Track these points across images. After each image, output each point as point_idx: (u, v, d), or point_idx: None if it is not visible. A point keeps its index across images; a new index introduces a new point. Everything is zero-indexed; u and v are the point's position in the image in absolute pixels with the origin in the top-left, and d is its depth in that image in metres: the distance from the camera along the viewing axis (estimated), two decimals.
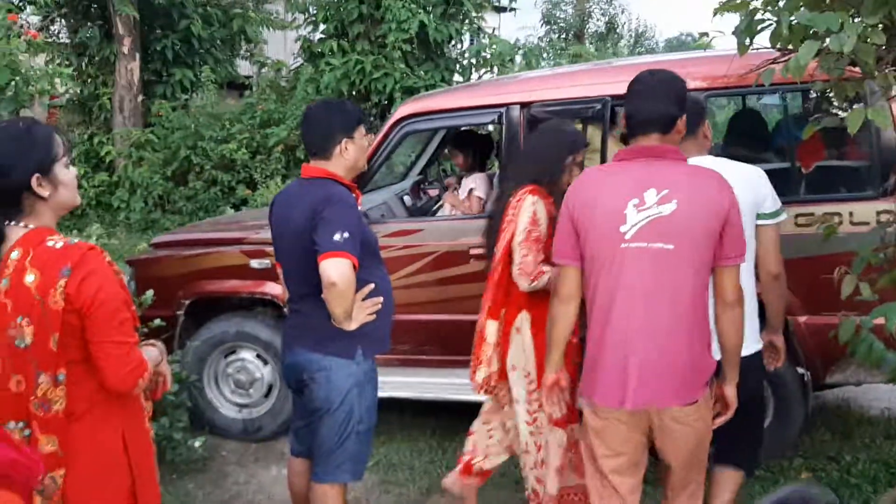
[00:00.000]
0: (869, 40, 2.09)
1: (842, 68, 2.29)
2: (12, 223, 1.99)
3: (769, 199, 2.84)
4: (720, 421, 2.60)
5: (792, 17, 2.14)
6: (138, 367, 2.02)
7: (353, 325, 2.69)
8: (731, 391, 2.55)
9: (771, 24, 2.40)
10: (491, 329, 3.23)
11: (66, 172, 2.04)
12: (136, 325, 2.13)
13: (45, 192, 1.99)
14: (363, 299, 2.73)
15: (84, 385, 2.01)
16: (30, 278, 1.93)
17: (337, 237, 2.54)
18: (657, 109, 2.39)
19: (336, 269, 2.52)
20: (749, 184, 2.74)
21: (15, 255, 1.96)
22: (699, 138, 2.89)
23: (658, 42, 20.95)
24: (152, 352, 2.21)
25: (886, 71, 2.16)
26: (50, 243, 1.97)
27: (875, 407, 4.71)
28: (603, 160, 3.46)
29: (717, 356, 2.52)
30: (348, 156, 2.79)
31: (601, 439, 2.48)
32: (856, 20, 2.14)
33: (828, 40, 2.09)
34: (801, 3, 2.34)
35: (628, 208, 2.31)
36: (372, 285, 2.76)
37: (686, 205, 2.28)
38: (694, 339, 2.38)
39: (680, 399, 2.38)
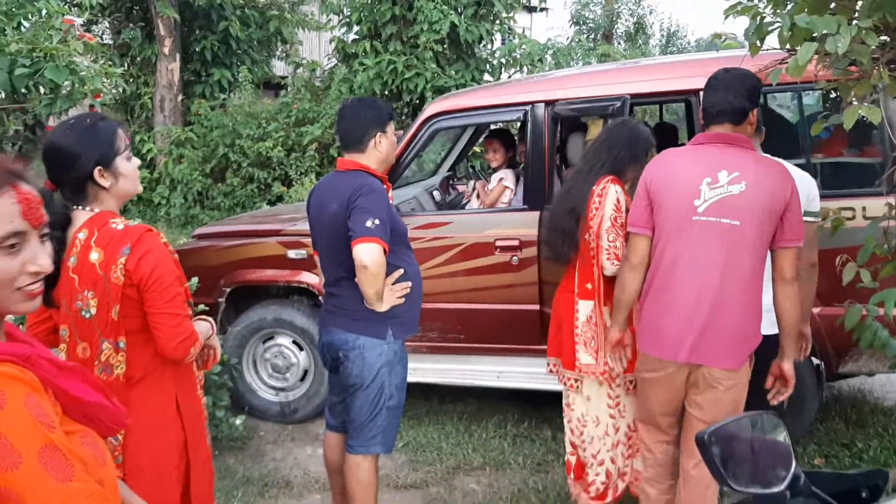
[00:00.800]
0: (864, 42, 2.24)
1: (841, 68, 2.44)
2: (79, 208, 2.23)
3: (815, 200, 3.11)
4: (781, 397, 2.82)
5: (792, 21, 2.30)
6: (189, 337, 2.22)
7: (383, 307, 2.90)
8: (789, 367, 2.78)
9: (778, 27, 2.56)
10: (585, 309, 3.24)
11: (127, 165, 2.26)
12: (189, 301, 2.36)
13: (106, 183, 2.22)
14: (393, 284, 2.95)
15: (142, 353, 2.23)
16: (94, 256, 2.16)
17: (369, 224, 2.76)
18: (731, 102, 2.70)
19: (368, 253, 2.74)
20: (803, 184, 2.94)
21: (82, 235, 2.20)
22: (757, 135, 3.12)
23: (690, 42, 20.86)
24: (203, 325, 2.43)
25: (881, 70, 2.30)
26: (112, 225, 2.20)
27: (890, 398, 4.81)
28: None
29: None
30: (381, 149, 3.02)
31: (652, 387, 2.85)
32: (853, 23, 2.30)
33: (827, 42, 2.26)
34: (805, 7, 2.51)
35: (703, 185, 2.63)
36: (402, 270, 2.98)
37: (753, 187, 2.58)
38: (748, 310, 2.68)
39: (728, 362, 2.68)
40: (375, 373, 2.99)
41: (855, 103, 2.43)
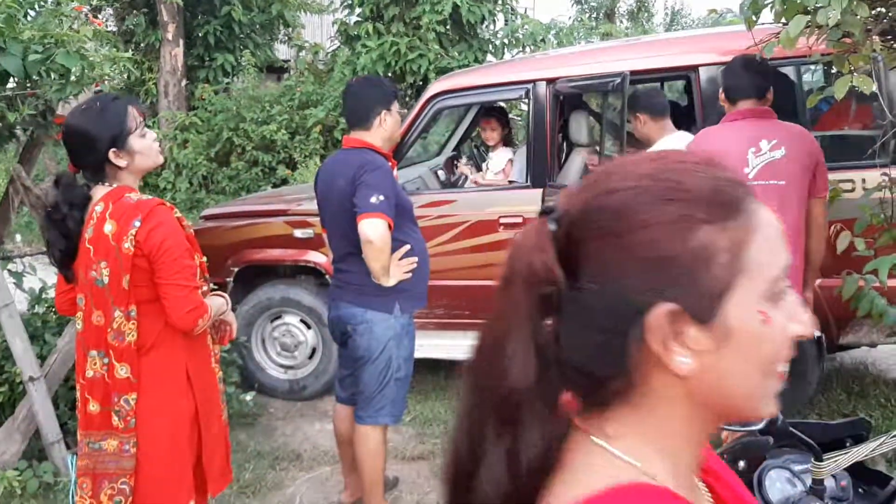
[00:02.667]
0: (855, 13, 2.28)
1: (835, 40, 2.49)
2: (105, 184, 2.31)
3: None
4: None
5: None
6: (197, 308, 2.28)
7: (390, 282, 2.98)
8: (809, 294, 3.30)
9: (772, 1, 2.61)
10: None
11: (141, 141, 2.33)
12: (203, 275, 2.43)
13: (122, 163, 2.30)
14: (399, 259, 3.02)
15: (154, 322, 2.31)
16: (108, 227, 2.25)
17: (374, 199, 2.83)
18: (754, 80, 3.14)
19: (372, 228, 2.82)
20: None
21: (98, 208, 2.29)
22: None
23: (694, 20, 20.74)
24: (216, 300, 2.50)
25: (873, 41, 2.35)
26: (126, 199, 2.28)
27: (893, 370, 4.88)
28: (622, 127, 3.71)
29: None
30: (386, 126, 3.08)
31: None
32: None
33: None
34: None
35: (749, 155, 3.04)
36: (408, 246, 3.06)
37: (790, 150, 3.03)
38: (796, 257, 2.91)
39: None
40: (383, 346, 3.07)
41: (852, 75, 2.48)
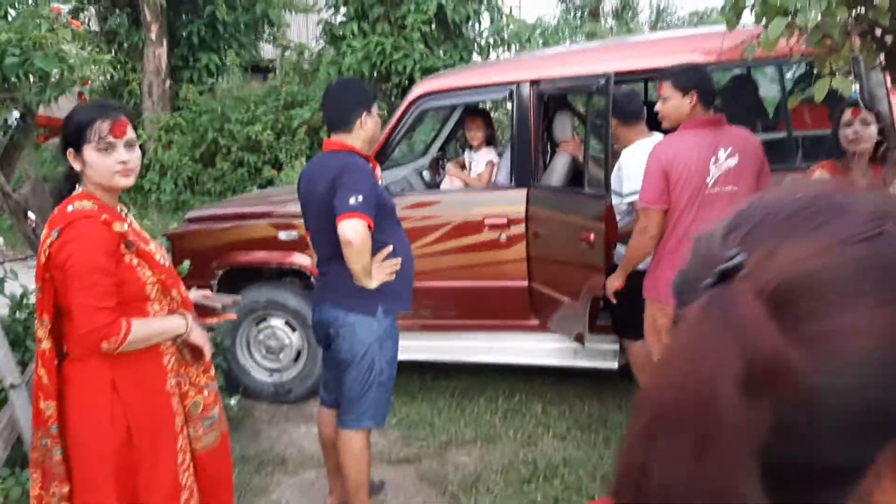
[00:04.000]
0: (835, 16, 2.29)
1: (815, 41, 2.49)
2: (78, 185, 2.31)
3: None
4: None
5: None
6: (99, 329, 2.16)
7: (373, 284, 2.97)
8: None
9: (753, 3, 2.62)
10: None
11: (95, 156, 2.25)
12: (167, 292, 2.36)
13: (77, 166, 2.29)
14: (382, 260, 3.01)
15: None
16: (44, 234, 2.24)
17: (352, 201, 2.83)
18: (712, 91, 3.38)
19: (351, 229, 2.81)
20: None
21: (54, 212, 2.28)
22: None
23: (680, 18, 20.83)
24: (165, 323, 2.34)
25: (852, 43, 2.36)
26: (67, 206, 2.25)
27: None
28: (607, 129, 3.71)
29: None
30: (367, 128, 3.08)
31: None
32: None
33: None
34: None
35: (710, 164, 3.23)
36: (391, 247, 3.05)
37: (743, 157, 3.25)
38: None
39: None
40: (366, 349, 3.06)
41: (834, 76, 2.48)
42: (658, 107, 3.44)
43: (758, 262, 0.54)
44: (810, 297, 0.52)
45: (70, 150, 2.27)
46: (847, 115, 3.37)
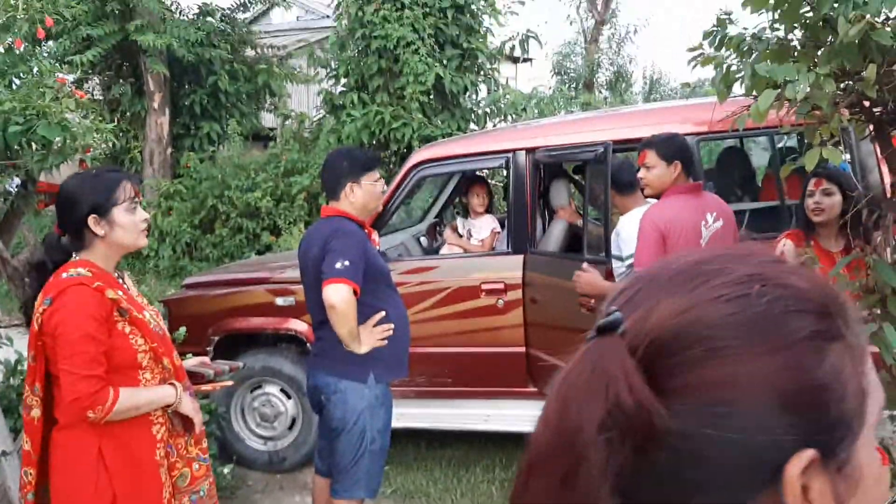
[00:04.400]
0: (823, 88, 2.35)
1: (804, 113, 2.55)
2: (74, 254, 2.30)
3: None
4: None
5: (753, 69, 2.41)
6: (84, 398, 2.14)
7: (362, 349, 2.96)
8: None
9: (742, 75, 2.68)
10: None
11: (127, 216, 2.29)
12: (159, 361, 2.34)
13: (100, 231, 2.28)
14: (374, 325, 3.01)
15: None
16: (38, 301, 2.23)
17: (338, 265, 2.86)
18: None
19: (335, 294, 2.83)
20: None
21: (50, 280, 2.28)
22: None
23: (673, 89, 21.26)
24: (154, 392, 2.31)
25: (841, 115, 2.41)
26: (63, 273, 2.24)
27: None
28: (606, 196, 3.76)
29: None
30: (354, 198, 3.10)
31: None
32: (812, 70, 2.41)
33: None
34: (767, 56, 2.62)
35: (702, 227, 3.39)
36: (383, 312, 3.05)
37: (726, 220, 3.47)
38: None
39: None
40: (357, 416, 3.03)
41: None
42: (641, 174, 3.52)
43: (635, 321, 0.59)
44: (678, 352, 0.57)
45: (93, 217, 2.25)
46: (811, 185, 3.53)
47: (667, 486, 0.58)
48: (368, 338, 2.97)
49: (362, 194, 3.12)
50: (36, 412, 2.25)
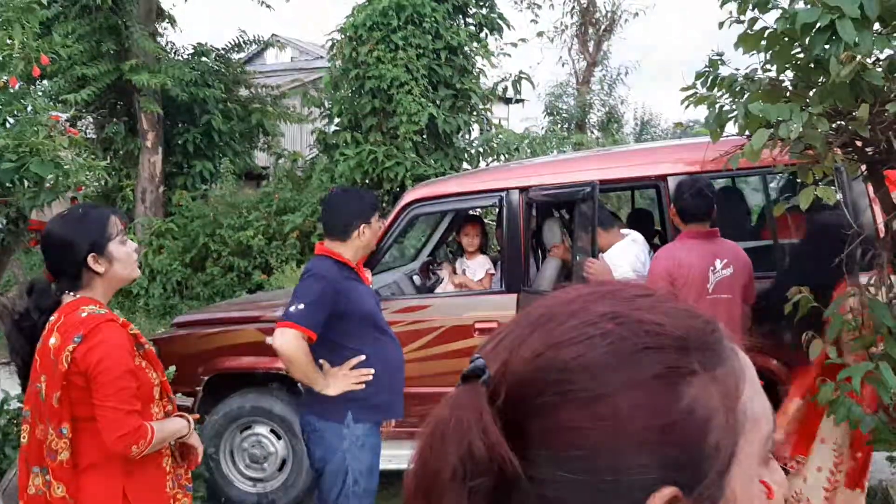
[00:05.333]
0: (815, 127, 2.37)
1: (797, 152, 2.56)
2: (70, 293, 2.27)
3: None
4: None
5: (747, 109, 2.43)
6: (131, 433, 2.16)
7: (330, 391, 2.93)
8: None
9: (736, 115, 2.70)
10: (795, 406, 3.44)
11: (121, 249, 2.30)
12: (167, 394, 2.35)
13: (100, 269, 2.27)
14: (352, 368, 2.98)
15: (93, 440, 2.20)
16: (52, 341, 2.19)
17: (292, 309, 2.86)
18: (704, 205, 3.56)
19: (279, 337, 2.84)
20: None
21: (52, 318, 2.23)
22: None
23: (663, 130, 21.49)
24: (174, 423, 2.37)
25: (833, 154, 2.42)
26: (79, 312, 2.22)
27: (873, 477, 4.79)
28: (593, 234, 3.76)
29: None
30: (364, 238, 3.09)
31: None
32: (805, 110, 2.43)
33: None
34: (760, 96, 2.65)
35: (709, 272, 3.47)
36: (363, 357, 3.00)
37: (736, 267, 3.52)
38: None
39: None
40: (335, 456, 3.00)
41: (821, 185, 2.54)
42: None
43: (497, 369, 0.59)
44: (534, 397, 0.57)
45: (92, 255, 2.25)
46: None
47: None
48: (340, 381, 2.94)
49: (370, 235, 3.13)
50: (65, 455, 2.19)
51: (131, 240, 2.40)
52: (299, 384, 4.36)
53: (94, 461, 2.22)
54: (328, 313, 2.90)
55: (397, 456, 4.24)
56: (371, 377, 2.99)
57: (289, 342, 2.82)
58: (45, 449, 2.21)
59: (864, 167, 2.85)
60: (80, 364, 2.15)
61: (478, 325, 4.32)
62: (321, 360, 2.98)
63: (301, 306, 2.85)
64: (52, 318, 2.24)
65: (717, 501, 0.56)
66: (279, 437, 4.62)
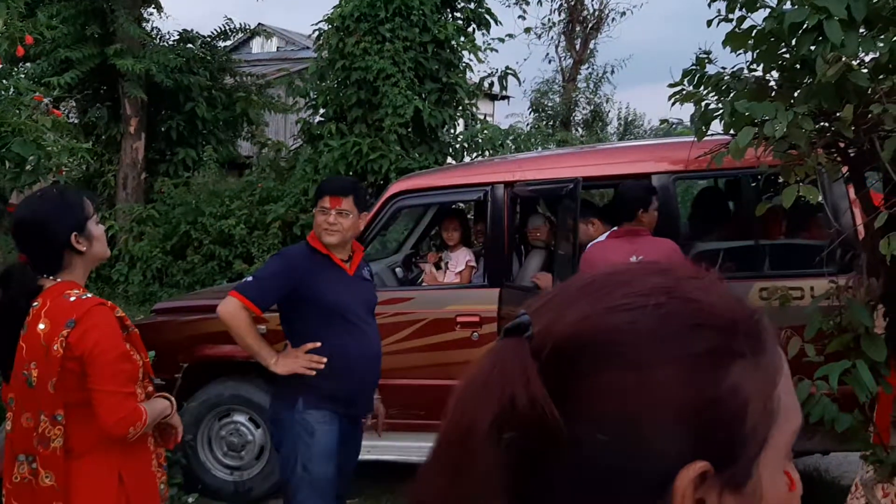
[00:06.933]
0: (801, 127, 2.39)
1: (781, 151, 2.59)
2: (50, 277, 2.24)
3: None
4: None
5: (733, 107, 2.45)
6: (129, 416, 2.16)
7: (278, 369, 2.98)
8: None
9: (721, 113, 2.72)
10: None
11: (98, 228, 2.32)
12: (149, 375, 2.34)
13: (83, 248, 2.25)
14: (306, 353, 2.98)
15: (87, 426, 2.19)
16: (41, 326, 2.16)
17: (244, 280, 3.02)
18: (627, 207, 3.77)
19: (221, 305, 2.97)
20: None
21: (36, 304, 2.21)
22: None
23: (646, 130, 21.61)
24: (159, 403, 2.38)
25: (818, 154, 2.45)
26: (66, 297, 2.20)
27: (846, 477, 4.86)
28: (575, 230, 3.80)
29: None
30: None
31: None
32: (790, 109, 2.45)
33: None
34: (746, 95, 2.67)
35: None
36: (318, 344, 2.98)
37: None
38: None
39: None
40: (283, 439, 3.06)
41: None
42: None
43: (542, 326, 0.59)
44: (577, 358, 0.57)
45: (75, 234, 2.24)
46: None
47: (558, 491, 0.58)
48: (289, 362, 2.96)
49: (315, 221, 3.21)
50: (58, 442, 2.16)
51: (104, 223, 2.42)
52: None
53: (89, 447, 2.20)
54: (282, 294, 2.95)
55: (377, 447, 4.24)
56: (322, 366, 2.97)
57: (228, 310, 2.92)
58: (34, 437, 2.18)
59: (845, 169, 2.88)
60: (75, 349, 2.13)
61: (460, 319, 4.32)
62: (286, 342, 3.06)
63: (251, 279, 2.97)
64: (35, 304, 2.21)
65: (743, 485, 0.57)
66: (258, 426, 4.61)
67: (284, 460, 3.03)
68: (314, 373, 2.96)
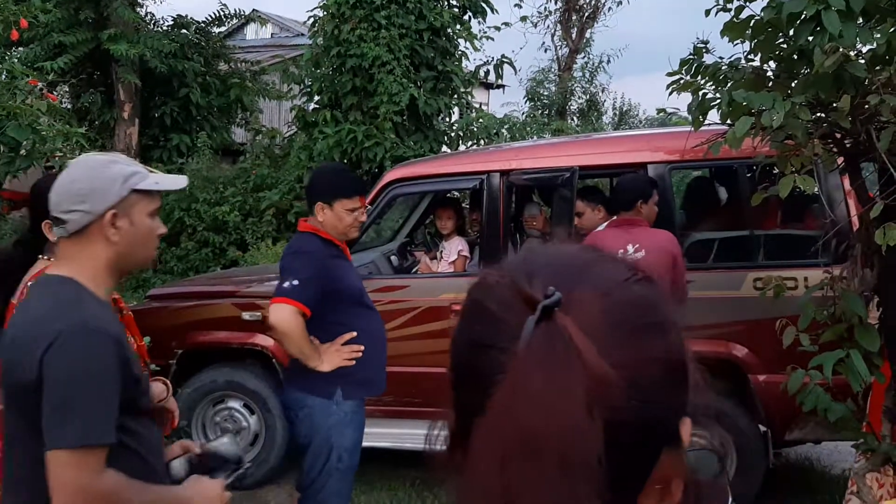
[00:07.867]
0: (798, 117, 2.39)
1: (778, 141, 2.59)
2: (42, 257, 2.25)
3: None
4: None
5: (730, 96, 2.45)
6: None
7: (323, 367, 2.91)
8: None
9: (719, 102, 2.72)
10: None
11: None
12: (144, 359, 2.34)
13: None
14: (343, 344, 2.97)
15: None
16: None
17: (286, 285, 2.84)
18: (625, 197, 3.82)
19: (275, 314, 2.82)
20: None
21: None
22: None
23: (641, 120, 21.60)
24: (157, 387, 2.39)
25: (815, 143, 2.46)
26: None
27: (838, 466, 4.90)
28: (570, 219, 3.80)
29: None
30: (321, 220, 3.04)
31: None
32: (788, 99, 2.46)
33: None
34: (743, 85, 2.67)
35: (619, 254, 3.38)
36: (354, 333, 2.99)
37: (649, 252, 3.60)
38: None
39: None
40: (322, 433, 2.98)
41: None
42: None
43: (566, 301, 0.60)
44: (613, 329, 0.61)
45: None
46: None
47: (611, 455, 0.58)
48: (333, 357, 2.93)
49: (331, 217, 3.03)
50: None
51: None
52: (274, 360, 4.38)
53: None
54: (321, 290, 2.89)
55: (371, 433, 4.24)
56: (361, 353, 2.99)
57: (285, 318, 2.80)
58: None
59: (841, 159, 2.89)
60: None
61: (454, 307, 4.33)
62: (312, 337, 2.96)
63: (295, 282, 2.83)
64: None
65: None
66: (252, 412, 4.61)
67: (316, 451, 2.97)
68: (354, 362, 2.97)
